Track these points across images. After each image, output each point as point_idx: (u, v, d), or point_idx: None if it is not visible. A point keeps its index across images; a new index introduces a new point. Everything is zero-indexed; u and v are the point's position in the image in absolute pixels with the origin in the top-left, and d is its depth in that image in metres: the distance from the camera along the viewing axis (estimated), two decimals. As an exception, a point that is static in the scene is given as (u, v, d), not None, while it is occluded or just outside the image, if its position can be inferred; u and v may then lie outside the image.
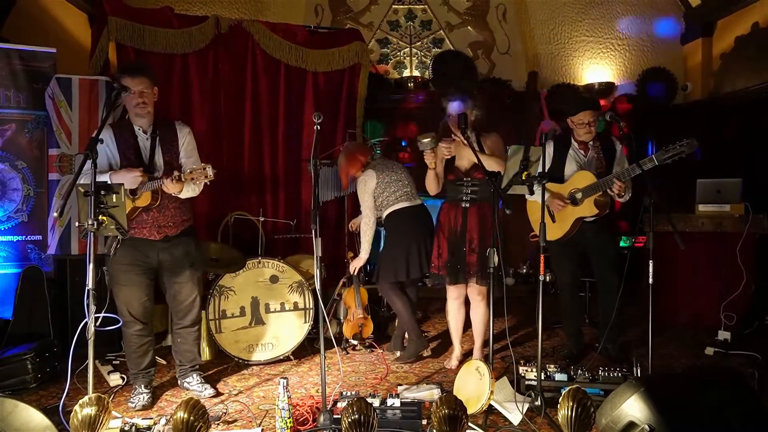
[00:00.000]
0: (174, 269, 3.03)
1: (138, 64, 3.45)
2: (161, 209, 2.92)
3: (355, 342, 3.92)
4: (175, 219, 2.98)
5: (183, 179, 2.75)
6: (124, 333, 2.99)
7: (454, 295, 3.53)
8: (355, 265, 3.80)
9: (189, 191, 2.93)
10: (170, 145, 3.00)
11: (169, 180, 2.75)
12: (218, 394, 3.12)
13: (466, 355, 3.68)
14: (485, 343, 3.66)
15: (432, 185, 3.43)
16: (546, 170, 3.54)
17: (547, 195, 3.43)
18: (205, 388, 3.11)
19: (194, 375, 3.18)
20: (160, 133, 2.98)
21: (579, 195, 3.38)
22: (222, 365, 3.65)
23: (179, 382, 3.21)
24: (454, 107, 3.33)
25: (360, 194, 3.75)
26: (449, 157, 3.34)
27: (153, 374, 3.11)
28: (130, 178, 2.76)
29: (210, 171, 2.72)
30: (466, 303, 3.59)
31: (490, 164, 3.17)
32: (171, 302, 3.13)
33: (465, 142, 3.11)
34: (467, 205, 3.39)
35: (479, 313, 3.51)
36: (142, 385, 3.00)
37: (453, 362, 3.59)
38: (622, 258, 3.22)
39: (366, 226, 3.69)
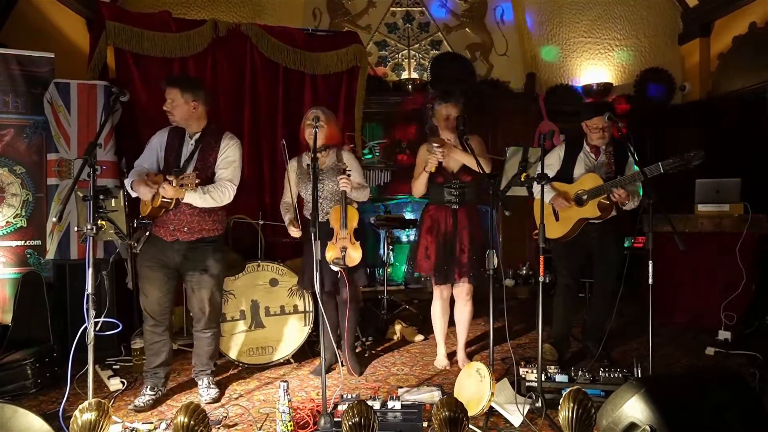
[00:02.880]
0: (187, 273, 3.08)
1: (181, 77, 3.76)
2: (177, 213, 2.97)
3: (336, 268, 3.27)
4: (190, 225, 2.99)
5: (174, 185, 2.75)
6: (144, 326, 3.09)
7: (443, 295, 3.55)
8: (345, 186, 3.23)
9: (197, 199, 2.92)
10: (208, 153, 3.05)
11: (166, 183, 2.77)
12: (217, 401, 3.11)
13: (451, 355, 3.69)
14: (468, 343, 3.70)
15: (422, 188, 3.46)
16: (556, 171, 3.58)
17: (553, 193, 3.46)
18: (207, 393, 3.11)
19: (204, 378, 3.20)
20: (204, 141, 3.05)
21: (585, 196, 3.40)
22: (222, 369, 3.64)
23: (196, 379, 3.27)
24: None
25: (357, 166, 3.44)
26: (442, 160, 3.36)
27: (161, 377, 3.11)
28: (142, 192, 2.87)
29: (188, 179, 2.74)
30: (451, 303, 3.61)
31: (483, 166, 3.20)
32: (188, 305, 3.21)
33: (465, 144, 3.12)
34: (456, 206, 3.40)
35: (465, 312, 3.54)
36: (148, 387, 3.03)
37: (443, 362, 3.61)
38: (624, 263, 3.23)
39: (363, 197, 3.43)
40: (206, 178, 2.97)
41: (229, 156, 3.08)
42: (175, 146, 3.04)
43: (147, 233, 2.96)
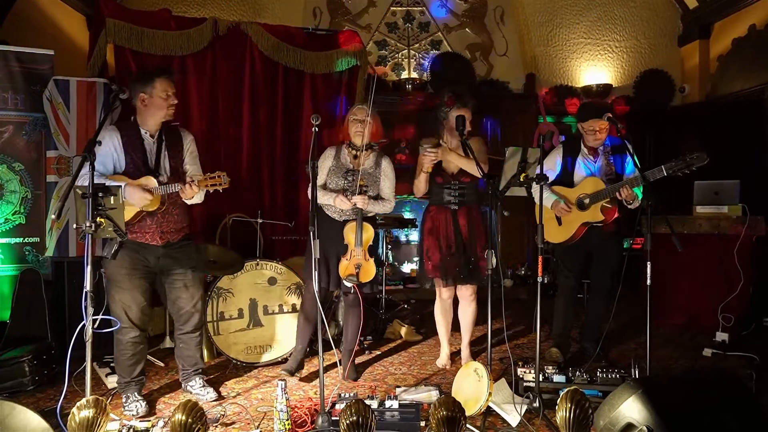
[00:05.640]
0: (174, 274, 3.01)
1: (166, 66, 3.42)
2: (165, 214, 2.91)
3: (349, 284, 3.25)
4: (177, 225, 2.98)
5: (200, 184, 2.78)
6: (118, 340, 2.90)
7: (445, 295, 3.55)
8: (356, 201, 3.20)
9: (196, 198, 2.94)
10: (176, 150, 3.00)
11: (188, 186, 2.78)
12: (220, 398, 3.11)
13: (453, 355, 3.70)
14: (472, 342, 3.71)
15: (422, 188, 3.45)
16: (556, 174, 3.58)
17: (554, 198, 3.46)
18: (207, 392, 3.09)
19: (197, 379, 3.15)
20: (166, 137, 2.97)
21: (587, 201, 3.40)
22: (220, 367, 3.65)
23: (182, 385, 3.19)
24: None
25: (392, 178, 3.39)
26: (434, 161, 3.36)
27: (144, 381, 3.07)
28: (138, 198, 2.75)
29: (225, 178, 2.78)
30: (454, 303, 3.62)
31: (475, 168, 3.20)
32: (171, 308, 3.10)
33: (466, 146, 3.12)
34: (456, 207, 3.41)
35: (469, 312, 3.55)
36: (135, 392, 2.94)
37: (445, 362, 3.62)
38: (622, 264, 3.23)
39: (384, 210, 3.41)
40: (179, 174, 2.96)
41: (194, 150, 3.07)
42: (137, 145, 2.88)
43: (120, 241, 2.65)
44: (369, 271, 3.25)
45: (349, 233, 3.25)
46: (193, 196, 2.86)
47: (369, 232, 3.26)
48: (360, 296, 3.32)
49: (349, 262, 3.24)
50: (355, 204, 3.20)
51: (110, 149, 2.83)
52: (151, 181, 2.83)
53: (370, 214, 3.39)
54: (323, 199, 3.28)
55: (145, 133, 2.93)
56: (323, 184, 3.34)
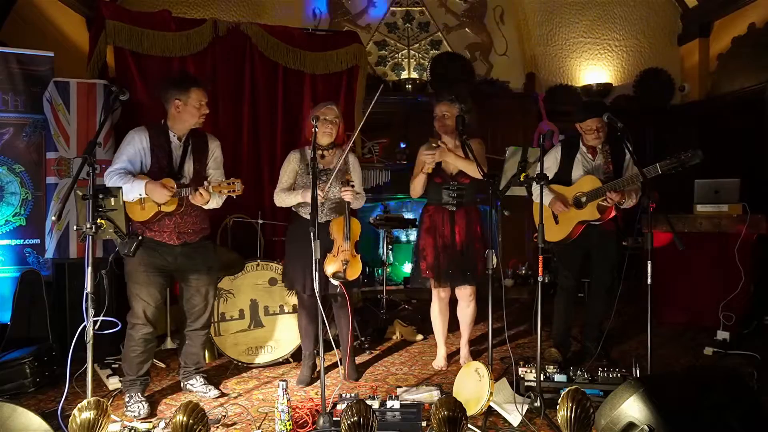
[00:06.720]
0: (191, 273, 3.06)
1: (201, 77, 3.46)
2: (183, 215, 2.96)
3: (336, 282, 3.18)
4: (195, 226, 3.03)
5: (210, 191, 2.84)
6: (131, 336, 2.93)
7: (441, 296, 3.55)
8: (345, 195, 3.16)
9: (213, 203, 3.00)
10: (201, 154, 3.06)
11: (198, 192, 2.82)
12: (223, 394, 3.13)
13: (451, 355, 3.70)
14: (471, 342, 3.72)
15: (420, 188, 3.47)
16: (554, 173, 3.58)
17: (551, 196, 3.46)
18: (210, 389, 3.12)
19: (198, 377, 3.19)
20: (192, 142, 3.03)
21: (583, 199, 3.40)
22: (221, 368, 3.65)
23: (182, 384, 3.22)
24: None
25: (360, 172, 3.43)
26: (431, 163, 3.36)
27: (149, 382, 3.09)
28: (159, 194, 2.81)
29: (239, 186, 2.83)
30: (451, 304, 3.61)
31: (474, 170, 3.20)
32: (186, 305, 3.16)
33: (465, 146, 3.12)
34: (454, 208, 3.41)
35: (468, 312, 3.55)
36: (138, 393, 2.95)
37: (441, 362, 3.62)
38: (621, 262, 3.23)
39: (359, 205, 3.43)
40: (201, 179, 2.97)
41: (219, 156, 3.15)
42: (163, 147, 2.96)
43: (140, 238, 2.70)
44: (356, 267, 3.23)
45: (336, 227, 3.22)
46: (205, 202, 2.89)
47: (357, 225, 3.26)
48: (347, 296, 3.28)
49: (336, 258, 3.19)
50: (333, 195, 3.23)
51: (138, 149, 2.93)
52: (171, 182, 2.87)
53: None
54: (293, 198, 3.25)
55: (173, 136, 3.00)
56: (289, 186, 3.32)
